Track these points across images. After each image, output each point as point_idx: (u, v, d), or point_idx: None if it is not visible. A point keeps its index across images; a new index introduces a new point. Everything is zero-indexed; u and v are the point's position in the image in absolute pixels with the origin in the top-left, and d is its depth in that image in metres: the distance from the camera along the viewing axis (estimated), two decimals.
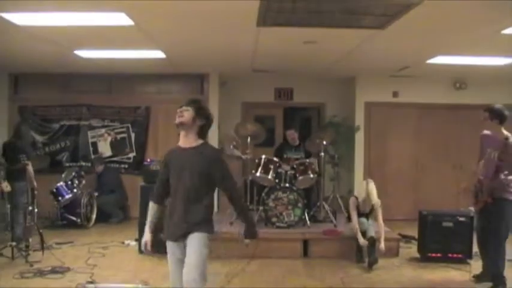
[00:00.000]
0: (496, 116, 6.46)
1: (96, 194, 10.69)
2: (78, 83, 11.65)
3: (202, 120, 4.58)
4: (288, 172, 9.01)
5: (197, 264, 4.41)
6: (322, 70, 10.96)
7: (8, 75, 11.54)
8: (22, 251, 7.57)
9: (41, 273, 6.93)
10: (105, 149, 11.69)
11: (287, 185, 8.91)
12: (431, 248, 7.98)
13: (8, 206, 8.32)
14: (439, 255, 7.92)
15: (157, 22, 6.84)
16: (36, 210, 8.12)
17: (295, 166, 9.03)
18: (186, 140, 4.54)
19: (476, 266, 7.27)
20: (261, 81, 12.22)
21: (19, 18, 6.52)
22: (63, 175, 10.44)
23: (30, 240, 7.86)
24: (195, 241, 4.44)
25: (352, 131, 11.79)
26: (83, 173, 10.75)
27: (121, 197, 11.18)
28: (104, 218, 10.70)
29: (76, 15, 6.38)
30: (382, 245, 7.74)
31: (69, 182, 10.21)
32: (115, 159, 11.69)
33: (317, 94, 12.64)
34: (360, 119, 11.88)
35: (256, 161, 9.11)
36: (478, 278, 6.86)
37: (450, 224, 7.95)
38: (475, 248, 7.40)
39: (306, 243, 8.38)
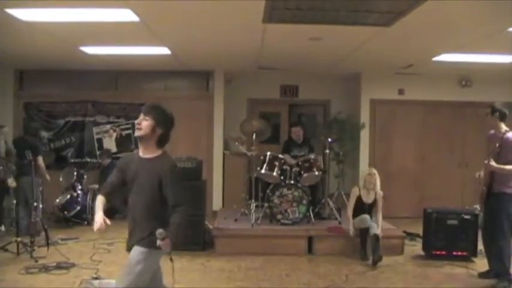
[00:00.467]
0: (496, 111, 6.57)
1: (97, 186, 10.70)
2: (83, 80, 11.66)
3: (162, 129, 4.30)
4: (293, 169, 9.00)
5: (123, 280, 4.26)
6: (328, 67, 10.95)
7: (14, 72, 11.56)
8: (27, 246, 7.59)
9: (46, 268, 6.94)
10: (110, 145, 11.71)
11: (292, 181, 8.90)
12: (436, 246, 7.97)
13: (14, 201, 8.36)
14: (443, 253, 7.90)
15: (163, 19, 6.85)
16: (41, 206, 8.15)
17: (300, 163, 9.02)
18: (145, 150, 4.32)
19: (481, 263, 7.27)
20: (267, 78, 12.21)
21: (25, 14, 6.53)
22: (61, 178, 10.40)
23: (42, 233, 7.89)
24: (132, 254, 4.30)
25: (357, 128, 11.78)
26: (82, 170, 10.75)
27: (125, 193, 11.17)
28: (108, 214, 10.68)
29: (81, 11, 6.39)
30: (379, 221, 8.02)
31: (74, 194, 10.19)
32: (120, 155, 11.70)
33: (322, 91, 12.63)
34: (365, 116, 11.86)
35: (261, 157, 9.10)
36: (483, 276, 6.85)
37: (455, 222, 7.94)
38: (480, 246, 7.41)
39: (310, 240, 8.38)
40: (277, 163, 8.96)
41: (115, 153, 11.64)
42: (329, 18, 6.69)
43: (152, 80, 11.82)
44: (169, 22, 7.10)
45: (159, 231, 4.04)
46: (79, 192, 10.25)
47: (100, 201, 4.57)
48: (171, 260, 4.24)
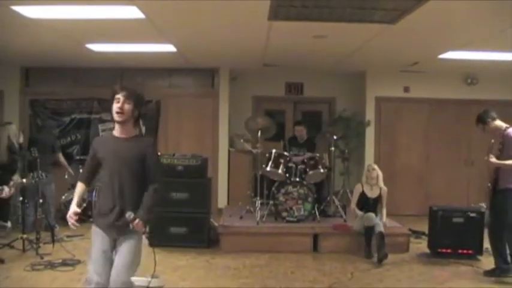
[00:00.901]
0: (487, 118, 6.76)
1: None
2: (89, 77, 11.67)
3: (138, 110, 4.47)
4: (299, 166, 8.99)
5: (129, 266, 4.25)
6: (333, 64, 10.94)
7: (20, 69, 11.58)
8: (33, 243, 7.61)
9: (51, 265, 6.97)
10: None
11: (297, 179, 8.90)
12: (441, 244, 7.96)
13: (20, 198, 8.37)
14: (449, 251, 7.89)
15: (169, 16, 6.85)
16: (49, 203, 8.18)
17: (305, 161, 9.01)
18: (123, 132, 4.44)
19: (487, 262, 7.26)
20: (272, 75, 12.20)
21: (30, 11, 6.54)
22: (66, 175, 10.41)
23: (56, 230, 7.91)
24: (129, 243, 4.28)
25: (363, 126, 11.77)
26: None
27: None
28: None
29: (87, 8, 6.40)
30: (383, 216, 8.19)
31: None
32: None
33: (327, 89, 12.61)
34: (370, 114, 11.85)
35: (267, 155, 9.11)
36: (489, 274, 6.83)
37: (461, 220, 7.92)
38: (486, 244, 7.40)
39: (315, 237, 8.38)
40: (282, 160, 8.97)
41: None
42: (334, 16, 6.68)
43: (157, 78, 11.83)
44: (174, 19, 7.10)
45: (128, 214, 4.05)
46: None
47: (79, 188, 4.58)
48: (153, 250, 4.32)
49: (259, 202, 9.05)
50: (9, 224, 8.84)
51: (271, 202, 8.94)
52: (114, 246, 4.30)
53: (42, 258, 7.28)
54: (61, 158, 9.52)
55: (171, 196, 8.12)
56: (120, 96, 4.45)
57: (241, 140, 9.82)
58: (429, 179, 11.85)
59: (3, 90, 11.55)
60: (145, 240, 4.60)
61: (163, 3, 6.16)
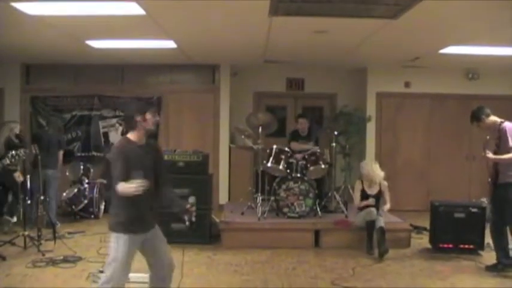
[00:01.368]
0: (481, 115, 6.75)
1: (105, 182, 10.71)
2: (89, 73, 11.68)
3: None
4: (299, 162, 8.99)
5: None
6: (334, 60, 10.92)
7: (20, 66, 11.57)
8: (34, 240, 7.61)
9: (53, 262, 6.97)
10: (116, 139, 11.68)
11: (298, 175, 8.89)
12: (442, 239, 7.96)
13: (21, 196, 8.38)
14: (450, 246, 7.89)
15: (169, 12, 6.83)
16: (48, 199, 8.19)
17: (306, 156, 9.00)
18: (141, 139, 4.76)
19: (488, 257, 7.26)
20: (273, 71, 12.19)
21: (30, 7, 6.52)
22: (67, 172, 10.43)
23: (57, 226, 7.92)
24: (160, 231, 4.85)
25: (364, 122, 11.76)
26: (88, 164, 10.77)
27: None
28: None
29: (88, 4, 6.38)
30: (385, 208, 8.17)
31: (81, 188, 10.20)
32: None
33: (328, 84, 12.60)
34: (371, 110, 11.84)
35: (268, 151, 9.10)
36: (490, 269, 6.83)
37: (462, 215, 7.92)
38: (487, 239, 7.40)
39: (317, 233, 8.38)
40: (283, 156, 8.96)
41: None
42: (335, 11, 6.65)
43: (158, 74, 11.83)
44: (175, 16, 7.08)
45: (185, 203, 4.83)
46: (86, 186, 10.26)
47: None
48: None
49: (260, 198, 9.05)
50: (14, 218, 8.84)
51: (272, 198, 8.94)
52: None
53: (43, 255, 7.29)
54: (60, 155, 9.49)
55: None
56: (155, 109, 4.95)
57: (242, 136, 9.82)
58: (430, 174, 11.85)
59: (4, 87, 11.54)
60: None
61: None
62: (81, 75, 11.72)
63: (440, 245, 7.96)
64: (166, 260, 4.83)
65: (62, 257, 7.18)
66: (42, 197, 8.14)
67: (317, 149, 9.13)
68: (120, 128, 11.69)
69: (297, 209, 8.76)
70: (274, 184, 8.97)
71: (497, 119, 6.67)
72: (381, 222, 7.83)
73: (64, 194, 10.04)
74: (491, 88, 11.31)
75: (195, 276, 6.55)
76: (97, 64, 11.36)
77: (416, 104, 11.81)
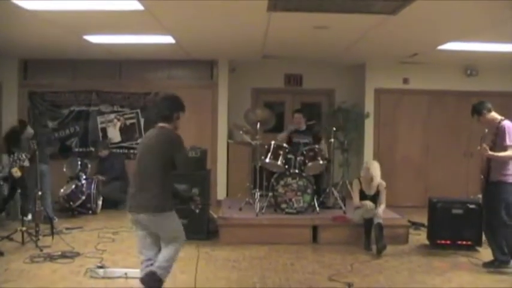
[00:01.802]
0: (482, 109, 6.71)
1: (102, 178, 10.71)
2: (87, 69, 11.66)
3: None
4: (298, 158, 8.98)
5: None
6: (332, 56, 10.92)
7: (18, 61, 11.56)
8: (32, 236, 7.60)
9: (51, 257, 6.96)
10: (114, 134, 11.71)
11: (296, 171, 8.89)
12: (440, 235, 7.96)
13: (19, 191, 8.38)
14: (448, 242, 7.89)
15: (167, 7, 6.81)
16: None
17: (304, 152, 8.99)
18: None
19: (486, 253, 7.25)
20: (271, 67, 12.19)
21: (28, 2, 6.51)
22: (64, 168, 10.42)
23: (55, 222, 7.91)
24: None
25: (362, 118, 11.75)
26: (86, 160, 10.76)
27: (125, 183, 11.23)
28: (111, 205, 10.76)
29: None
30: (380, 210, 7.95)
31: (79, 184, 10.19)
32: (124, 144, 11.72)
33: (327, 80, 12.58)
34: (369, 106, 11.83)
35: (266, 147, 9.09)
36: (488, 266, 6.83)
37: (460, 211, 7.92)
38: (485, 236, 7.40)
39: (315, 229, 8.38)
40: (281, 152, 8.95)
41: (118, 143, 11.66)
42: (334, 7, 6.65)
43: (156, 69, 11.81)
44: (173, 11, 7.07)
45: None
46: (83, 182, 10.25)
47: None
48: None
49: (258, 194, 9.04)
50: (29, 216, 8.83)
51: (270, 194, 8.94)
52: None
53: (41, 250, 7.27)
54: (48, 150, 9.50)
55: None
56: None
57: (241, 132, 9.80)
58: (428, 170, 11.86)
59: (2, 82, 11.52)
60: None
61: None
62: (79, 71, 11.70)
63: (438, 241, 7.96)
64: None
65: (59, 253, 7.16)
66: (40, 192, 8.11)
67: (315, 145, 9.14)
68: (119, 124, 11.68)
69: (295, 205, 8.76)
70: (272, 180, 8.97)
71: (498, 116, 6.66)
72: (378, 219, 7.82)
73: (62, 190, 10.02)
74: (489, 84, 11.31)
75: (193, 272, 6.53)
76: (95, 59, 11.35)
77: (415, 100, 11.81)
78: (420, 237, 8.66)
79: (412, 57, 10.66)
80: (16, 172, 8.14)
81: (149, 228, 5.11)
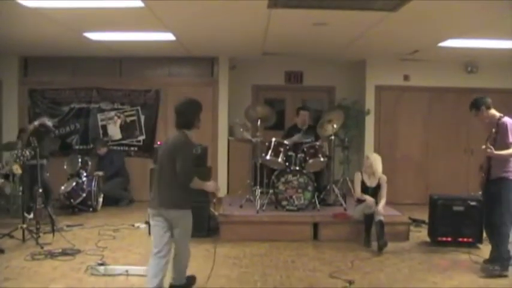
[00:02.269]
0: (481, 105, 6.66)
1: (101, 173, 10.71)
2: (87, 66, 11.65)
3: None
4: (298, 155, 8.98)
5: None
6: (333, 53, 10.91)
7: (18, 58, 11.55)
8: (33, 233, 7.61)
9: (51, 255, 6.97)
10: (114, 132, 11.70)
11: (297, 168, 8.89)
12: (441, 232, 7.96)
13: (20, 188, 8.37)
14: (449, 239, 7.90)
15: (168, 4, 6.80)
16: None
17: (305, 149, 8.99)
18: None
19: (487, 250, 7.22)
20: (271, 64, 12.18)
21: (28, 0, 6.50)
22: (65, 165, 10.43)
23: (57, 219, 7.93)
24: None
25: (362, 115, 11.75)
26: (86, 157, 10.77)
27: (125, 180, 11.25)
28: (111, 202, 10.77)
29: None
30: (380, 207, 7.91)
31: (80, 181, 10.19)
32: (124, 142, 11.71)
33: (327, 77, 12.57)
34: (370, 103, 11.83)
35: (266, 144, 9.09)
36: (487, 263, 6.82)
37: (461, 208, 7.92)
38: None
39: (315, 226, 8.38)
40: (282, 149, 8.95)
41: (119, 140, 11.66)
42: (335, 3, 6.64)
43: (156, 66, 11.81)
44: (174, 8, 7.05)
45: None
46: (84, 179, 10.25)
47: None
48: None
49: (259, 191, 9.05)
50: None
51: (271, 191, 8.94)
52: None
53: (42, 247, 7.28)
54: None
55: None
56: None
57: (241, 129, 9.79)
58: (429, 167, 11.86)
59: (2, 80, 11.52)
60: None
61: None
62: (79, 68, 11.69)
63: (439, 239, 7.96)
64: None
65: (60, 250, 7.17)
66: (40, 190, 8.11)
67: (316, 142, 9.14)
68: (119, 121, 11.68)
69: (296, 202, 8.76)
70: (273, 177, 8.97)
71: (497, 114, 6.60)
72: (380, 216, 7.82)
73: (62, 188, 10.02)
74: (490, 81, 11.30)
75: (193, 269, 6.53)
76: (95, 56, 11.34)
77: (415, 97, 11.80)
78: (421, 234, 8.66)
79: (412, 54, 10.66)
80: (17, 169, 8.13)
81: (166, 222, 5.39)
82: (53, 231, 7.94)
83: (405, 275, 6.60)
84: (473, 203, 7.89)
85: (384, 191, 8.18)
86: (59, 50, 10.70)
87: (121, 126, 11.73)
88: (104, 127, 11.72)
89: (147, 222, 8.40)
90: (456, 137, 11.74)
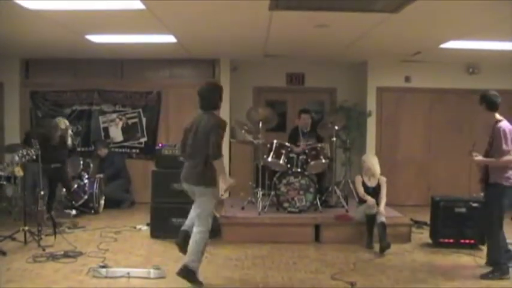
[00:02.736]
0: (482, 101, 6.57)
1: (100, 175, 10.70)
2: (89, 68, 11.65)
3: None
4: (300, 157, 8.98)
5: None
6: (334, 55, 10.91)
7: (20, 61, 11.54)
8: (34, 235, 7.60)
9: (53, 257, 6.96)
10: (116, 134, 11.70)
11: (299, 169, 8.89)
12: (443, 234, 7.95)
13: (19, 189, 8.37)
14: (451, 241, 7.89)
15: (169, 6, 6.80)
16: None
17: (306, 151, 9.00)
18: None
19: None
20: (273, 66, 12.17)
21: (30, 2, 6.51)
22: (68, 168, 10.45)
23: (60, 220, 7.94)
24: None
25: (364, 116, 11.74)
26: (88, 159, 10.77)
27: (126, 182, 11.25)
28: (113, 204, 10.76)
29: None
30: (381, 208, 7.95)
31: (81, 183, 10.20)
32: (126, 144, 11.71)
33: (328, 79, 12.57)
34: (371, 104, 11.82)
35: (268, 145, 9.09)
36: (488, 264, 6.82)
37: (463, 210, 7.92)
38: None
39: (317, 228, 8.37)
40: (283, 151, 8.95)
41: (120, 142, 11.66)
42: (336, 5, 6.64)
43: (158, 68, 11.80)
44: (175, 10, 7.05)
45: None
46: (86, 181, 10.26)
47: None
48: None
49: (260, 193, 9.06)
50: (74, 211, 8.88)
51: (272, 193, 8.94)
52: None
53: (44, 250, 7.27)
54: None
55: (173, 187, 8.07)
56: None
57: (243, 131, 9.80)
58: (431, 169, 11.85)
59: (3, 82, 11.51)
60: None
61: None
62: (80, 70, 11.69)
63: (441, 240, 7.95)
64: None
65: (62, 252, 7.16)
66: (42, 192, 8.11)
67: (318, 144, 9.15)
68: (121, 123, 11.67)
69: (298, 204, 8.77)
70: (275, 179, 8.97)
71: (497, 117, 6.52)
72: (381, 217, 7.82)
73: (64, 190, 10.01)
74: (491, 83, 11.22)
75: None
76: (97, 59, 11.34)
77: (417, 98, 11.79)
78: (423, 235, 8.65)
79: (414, 56, 10.65)
80: (18, 172, 8.13)
81: (193, 196, 6.08)
82: (54, 233, 7.94)
83: (407, 276, 6.59)
84: (475, 205, 7.89)
85: (384, 191, 8.20)
86: (60, 52, 10.70)
87: (123, 128, 11.73)
88: (106, 129, 11.71)
89: (149, 224, 8.45)
90: (458, 138, 11.70)
